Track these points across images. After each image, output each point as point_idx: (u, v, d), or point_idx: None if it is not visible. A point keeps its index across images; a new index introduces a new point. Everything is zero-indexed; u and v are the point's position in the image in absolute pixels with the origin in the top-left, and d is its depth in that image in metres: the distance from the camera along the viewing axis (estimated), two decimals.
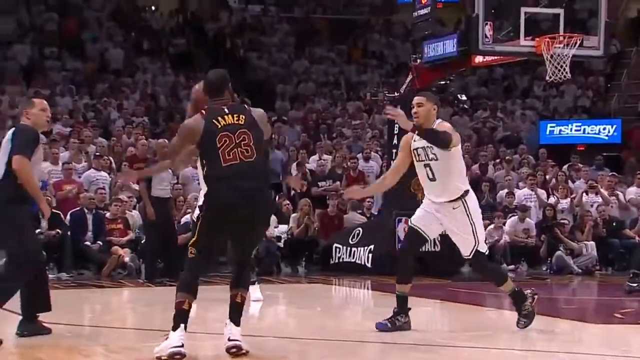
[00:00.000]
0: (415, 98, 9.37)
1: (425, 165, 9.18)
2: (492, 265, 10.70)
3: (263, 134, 7.74)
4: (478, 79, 31.87)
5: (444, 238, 14.06)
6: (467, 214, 9.15)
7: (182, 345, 7.36)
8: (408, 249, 9.71)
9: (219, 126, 7.44)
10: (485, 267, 9.81)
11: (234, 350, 7.53)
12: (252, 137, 7.50)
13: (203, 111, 7.64)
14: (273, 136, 8.05)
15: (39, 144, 8.80)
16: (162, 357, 7.39)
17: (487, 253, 9.78)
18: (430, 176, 9.17)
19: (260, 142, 7.60)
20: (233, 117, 7.51)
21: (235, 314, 7.75)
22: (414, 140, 9.21)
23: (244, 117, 7.55)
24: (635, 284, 13.83)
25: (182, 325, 7.42)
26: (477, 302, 12.65)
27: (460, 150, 9.44)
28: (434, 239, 13.67)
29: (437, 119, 9.35)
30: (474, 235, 9.17)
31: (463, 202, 9.16)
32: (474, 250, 9.17)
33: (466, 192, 9.27)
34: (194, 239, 7.65)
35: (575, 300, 14.44)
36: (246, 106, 7.93)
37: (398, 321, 9.21)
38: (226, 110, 7.56)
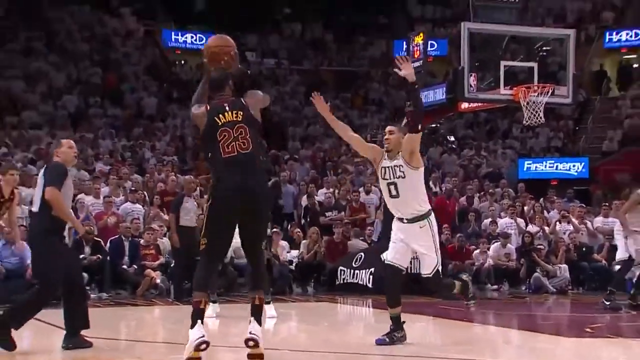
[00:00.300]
0: (387, 127, 9.17)
1: (390, 184, 8.88)
2: (446, 281, 10.13)
3: (258, 126, 7.78)
4: (464, 122, 31.82)
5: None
6: (432, 234, 8.88)
7: (204, 335, 7.32)
8: (391, 282, 9.26)
9: (220, 123, 7.51)
10: (441, 283, 9.53)
11: (251, 343, 7.44)
12: (249, 131, 7.54)
13: (208, 106, 7.70)
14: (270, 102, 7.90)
15: (67, 176, 8.84)
16: (191, 354, 7.38)
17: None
18: (394, 193, 8.86)
19: (255, 134, 7.67)
20: (232, 114, 7.56)
21: (257, 314, 7.67)
22: (384, 159, 8.93)
23: (242, 113, 7.58)
24: (609, 302, 13.77)
25: (199, 322, 7.38)
26: (466, 318, 12.46)
27: (422, 172, 9.05)
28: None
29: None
30: (436, 254, 8.91)
31: (428, 222, 8.88)
32: (435, 268, 8.91)
33: (429, 211, 8.99)
34: (203, 231, 7.67)
35: (551, 317, 14.28)
36: (244, 102, 7.71)
37: (395, 337, 9.03)
38: (227, 107, 7.61)
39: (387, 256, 9.11)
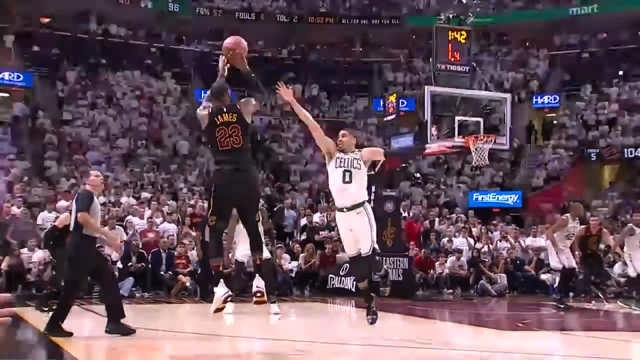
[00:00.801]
0: (341, 131, 8.86)
1: (346, 171, 8.45)
2: (378, 259, 9.71)
3: (248, 125, 8.02)
4: (428, 163, 31.84)
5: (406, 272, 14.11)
6: (367, 218, 8.35)
7: (228, 291, 7.94)
8: (354, 265, 9.19)
9: (218, 122, 7.83)
10: (374, 259, 8.96)
11: (259, 294, 8.05)
12: (241, 130, 7.84)
13: (211, 109, 7.94)
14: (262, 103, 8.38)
15: (93, 201, 9.07)
16: (219, 305, 8.02)
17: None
18: (347, 180, 8.38)
19: (246, 132, 7.92)
20: (229, 115, 7.85)
21: (259, 271, 8.21)
22: (338, 152, 8.64)
23: (236, 115, 7.85)
24: (562, 305, 14.12)
25: (222, 280, 8.00)
26: (427, 316, 12.43)
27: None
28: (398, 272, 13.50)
29: (356, 148, 8.80)
30: (372, 235, 8.42)
31: (364, 209, 8.40)
32: (371, 247, 8.43)
33: (366, 202, 8.54)
34: (210, 209, 8.03)
35: (493, 315, 14.22)
36: (238, 106, 7.98)
37: (373, 309, 8.74)
38: (224, 109, 7.89)
39: (348, 250, 8.79)
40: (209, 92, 8.23)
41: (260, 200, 9.88)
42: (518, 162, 33.25)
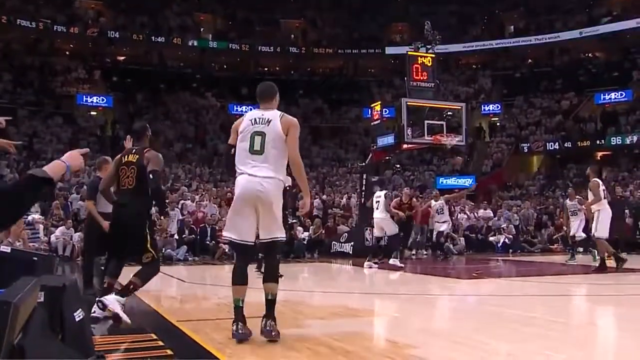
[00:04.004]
0: None
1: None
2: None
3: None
4: (406, 156, 31.65)
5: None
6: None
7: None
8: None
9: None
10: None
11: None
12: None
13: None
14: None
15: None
16: None
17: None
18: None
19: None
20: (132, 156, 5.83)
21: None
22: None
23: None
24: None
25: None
26: (405, 270, 12.21)
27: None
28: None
29: None
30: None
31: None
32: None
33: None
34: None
35: (455, 268, 13.97)
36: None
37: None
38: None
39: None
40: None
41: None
42: (472, 154, 33.06)
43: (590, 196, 11.06)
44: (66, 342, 1.98)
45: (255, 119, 4.81)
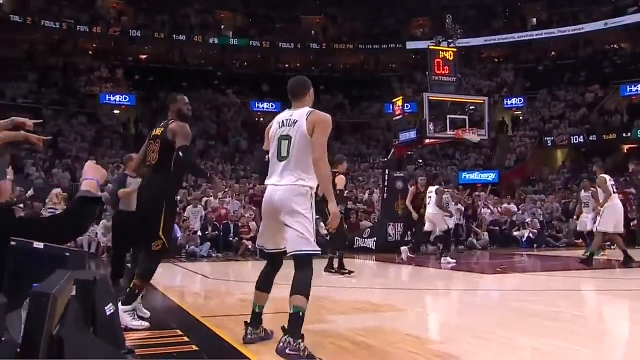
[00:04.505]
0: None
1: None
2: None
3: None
4: (429, 151, 31.53)
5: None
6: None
7: None
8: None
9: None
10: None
11: None
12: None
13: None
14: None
15: (126, 182, 7.57)
16: None
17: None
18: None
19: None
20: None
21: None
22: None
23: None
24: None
25: None
26: (433, 266, 12.17)
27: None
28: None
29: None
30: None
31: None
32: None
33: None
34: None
35: (479, 263, 13.90)
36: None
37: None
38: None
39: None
40: None
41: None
42: (495, 149, 32.84)
43: (601, 193, 10.98)
44: (98, 335, 2.05)
45: (283, 122, 4.32)
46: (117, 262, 7.61)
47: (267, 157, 4.38)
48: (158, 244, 5.04)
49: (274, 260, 4.50)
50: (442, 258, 12.35)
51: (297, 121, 4.24)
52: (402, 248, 12.63)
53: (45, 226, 2.52)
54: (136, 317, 5.12)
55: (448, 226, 12.64)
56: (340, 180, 10.06)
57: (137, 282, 5.11)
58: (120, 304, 4.86)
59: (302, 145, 4.17)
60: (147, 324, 5.10)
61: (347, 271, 9.93)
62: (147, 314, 5.44)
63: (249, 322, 4.46)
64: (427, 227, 12.71)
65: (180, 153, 5.04)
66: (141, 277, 5.11)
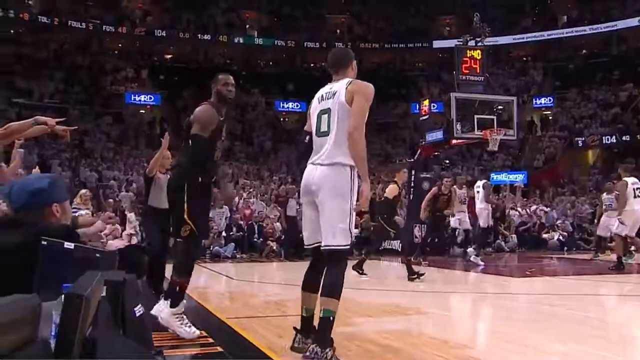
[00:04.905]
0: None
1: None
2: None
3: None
4: (456, 151, 31.33)
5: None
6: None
7: None
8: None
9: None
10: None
11: None
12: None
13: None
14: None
15: (152, 182, 7.10)
16: None
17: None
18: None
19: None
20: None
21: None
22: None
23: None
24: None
25: None
26: (459, 268, 12.12)
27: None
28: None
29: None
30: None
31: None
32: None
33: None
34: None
35: (508, 266, 13.79)
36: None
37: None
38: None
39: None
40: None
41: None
42: (523, 149, 32.51)
43: (621, 197, 10.92)
44: (127, 336, 2.10)
45: (322, 95, 3.99)
46: (155, 263, 6.95)
47: (307, 137, 4.05)
48: (186, 229, 4.65)
49: (318, 256, 4.00)
50: (474, 256, 12.34)
51: (336, 92, 3.91)
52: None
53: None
54: (186, 321, 4.69)
55: (490, 224, 12.81)
56: (391, 190, 9.94)
57: (174, 278, 4.74)
58: (167, 305, 4.66)
59: (342, 118, 3.83)
60: (197, 332, 4.69)
61: (362, 272, 10.07)
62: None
63: (298, 328, 4.04)
64: (481, 222, 12.94)
65: (190, 141, 4.76)
66: (177, 271, 4.73)
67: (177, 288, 4.72)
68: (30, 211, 2.62)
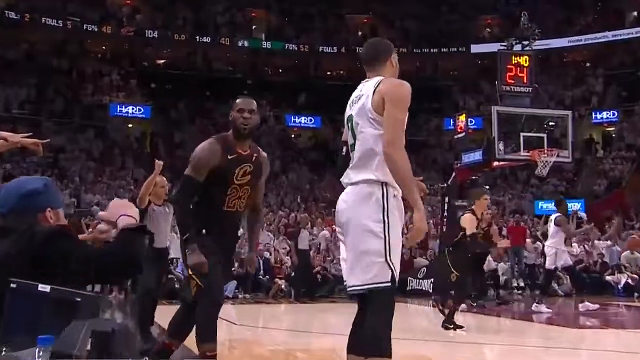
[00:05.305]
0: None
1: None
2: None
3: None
4: (497, 175, 31.30)
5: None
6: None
7: None
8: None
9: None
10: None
11: None
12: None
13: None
14: None
15: (147, 211, 7.20)
16: None
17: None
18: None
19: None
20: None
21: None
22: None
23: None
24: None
25: None
26: (499, 314, 12.02)
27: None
28: None
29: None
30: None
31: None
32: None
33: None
34: None
35: (562, 313, 13.58)
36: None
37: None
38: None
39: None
40: None
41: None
42: (580, 173, 32.39)
43: None
44: None
45: (353, 99, 3.80)
46: (147, 306, 7.27)
47: (344, 149, 3.88)
48: (192, 285, 4.60)
49: (363, 303, 3.66)
50: (536, 304, 12.24)
51: (363, 95, 3.72)
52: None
53: (100, 258, 2.58)
54: None
55: (558, 265, 12.58)
56: (468, 221, 9.29)
57: (169, 341, 4.90)
58: None
59: (368, 126, 3.63)
60: None
61: (455, 326, 9.29)
62: None
63: None
64: (548, 263, 12.77)
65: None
66: (198, 337, 4.67)
67: (169, 350, 4.81)
68: (21, 216, 2.62)
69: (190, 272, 4.60)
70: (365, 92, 3.71)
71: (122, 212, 2.70)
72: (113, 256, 2.56)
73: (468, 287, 10.56)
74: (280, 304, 14.37)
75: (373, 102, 3.59)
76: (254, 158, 4.87)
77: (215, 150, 4.70)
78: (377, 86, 3.65)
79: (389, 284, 3.48)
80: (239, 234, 5.39)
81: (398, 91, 3.64)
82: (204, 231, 4.64)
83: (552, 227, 12.58)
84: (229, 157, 4.69)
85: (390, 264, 3.47)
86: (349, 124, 3.75)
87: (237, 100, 4.89)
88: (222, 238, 4.74)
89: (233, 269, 15.59)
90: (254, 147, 4.97)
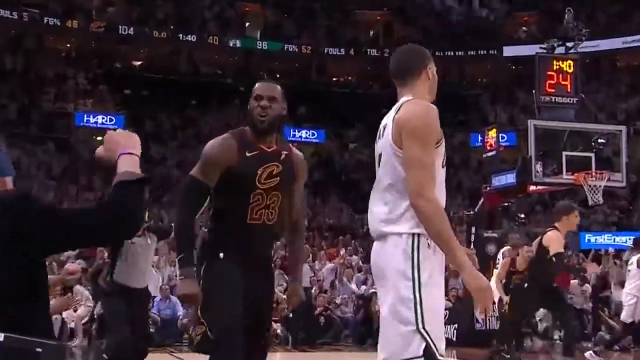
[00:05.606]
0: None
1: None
2: None
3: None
4: (534, 201, 31.22)
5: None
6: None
7: None
8: None
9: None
10: None
11: None
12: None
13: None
14: None
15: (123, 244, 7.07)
16: None
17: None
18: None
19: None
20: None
21: None
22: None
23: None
24: None
25: None
26: None
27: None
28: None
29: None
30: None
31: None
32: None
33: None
34: None
35: None
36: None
37: None
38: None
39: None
40: None
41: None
42: (635, 199, 32.33)
43: None
44: None
45: (380, 128, 3.66)
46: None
47: None
48: (198, 332, 4.15)
49: None
50: (591, 352, 12.05)
51: (387, 124, 3.58)
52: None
53: (79, 220, 2.51)
54: None
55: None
56: (554, 239, 9.15)
57: None
58: None
59: (389, 165, 3.52)
60: None
61: None
62: None
63: None
64: (624, 315, 12.28)
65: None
66: None
67: None
68: None
69: (201, 313, 4.11)
70: (388, 120, 3.57)
71: (122, 147, 2.63)
72: (103, 213, 2.49)
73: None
74: (276, 351, 14.23)
75: (393, 135, 3.47)
76: (283, 156, 4.43)
77: (228, 146, 4.38)
78: (397, 112, 3.52)
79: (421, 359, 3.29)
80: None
81: (416, 122, 3.45)
82: (220, 255, 4.17)
83: (632, 269, 12.25)
84: (248, 154, 4.32)
85: (425, 335, 3.32)
86: (378, 162, 3.60)
87: (256, 85, 4.62)
88: (247, 261, 4.19)
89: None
90: (283, 142, 4.60)
